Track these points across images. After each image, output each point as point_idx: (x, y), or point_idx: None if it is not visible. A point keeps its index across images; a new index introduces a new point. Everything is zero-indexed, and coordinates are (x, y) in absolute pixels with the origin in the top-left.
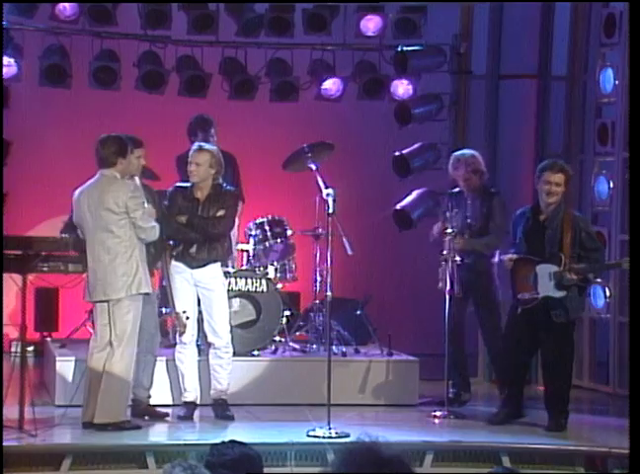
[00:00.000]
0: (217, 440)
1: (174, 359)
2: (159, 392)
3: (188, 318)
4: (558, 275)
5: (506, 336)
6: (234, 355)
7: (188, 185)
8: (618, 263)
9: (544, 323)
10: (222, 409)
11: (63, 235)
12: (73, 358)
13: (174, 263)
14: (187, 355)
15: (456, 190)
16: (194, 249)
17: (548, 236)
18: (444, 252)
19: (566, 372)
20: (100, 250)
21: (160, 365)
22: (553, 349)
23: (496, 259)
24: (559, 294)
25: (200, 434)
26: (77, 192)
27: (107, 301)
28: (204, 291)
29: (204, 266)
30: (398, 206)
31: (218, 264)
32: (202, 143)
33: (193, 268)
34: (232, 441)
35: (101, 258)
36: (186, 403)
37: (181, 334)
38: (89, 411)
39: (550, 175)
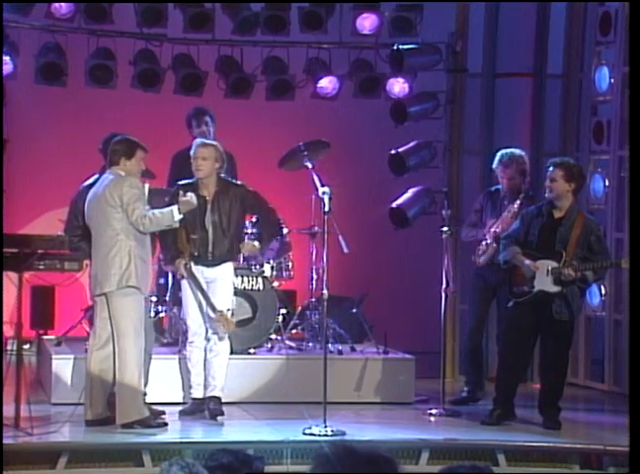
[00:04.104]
0: (213, 439)
1: (171, 358)
2: (159, 390)
3: (233, 315)
4: (556, 270)
5: (505, 335)
6: (230, 353)
7: (191, 181)
8: (617, 262)
9: (544, 320)
10: (215, 406)
11: (63, 234)
12: (69, 357)
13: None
14: (196, 352)
15: (494, 188)
16: (211, 247)
17: (560, 234)
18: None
19: (562, 370)
20: (99, 244)
21: (160, 364)
22: (551, 346)
23: (483, 246)
24: (554, 289)
25: (197, 433)
26: (89, 193)
27: (104, 295)
28: (214, 288)
29: (220, 264)
30: (394, 205)
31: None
32: (203, 139)
33: (209, 266)
34: (233, 451)
35: (99, 252)
36: (194, 399)
37: (226, 331)
38: (93, 409)
39: (549, 171)
